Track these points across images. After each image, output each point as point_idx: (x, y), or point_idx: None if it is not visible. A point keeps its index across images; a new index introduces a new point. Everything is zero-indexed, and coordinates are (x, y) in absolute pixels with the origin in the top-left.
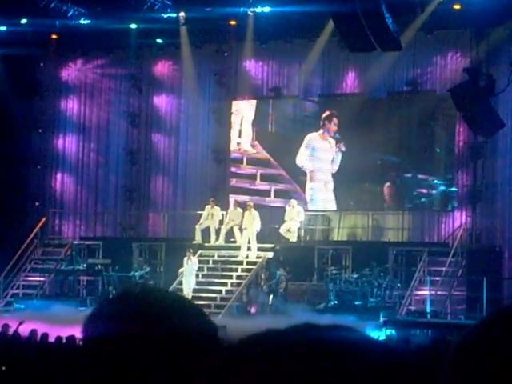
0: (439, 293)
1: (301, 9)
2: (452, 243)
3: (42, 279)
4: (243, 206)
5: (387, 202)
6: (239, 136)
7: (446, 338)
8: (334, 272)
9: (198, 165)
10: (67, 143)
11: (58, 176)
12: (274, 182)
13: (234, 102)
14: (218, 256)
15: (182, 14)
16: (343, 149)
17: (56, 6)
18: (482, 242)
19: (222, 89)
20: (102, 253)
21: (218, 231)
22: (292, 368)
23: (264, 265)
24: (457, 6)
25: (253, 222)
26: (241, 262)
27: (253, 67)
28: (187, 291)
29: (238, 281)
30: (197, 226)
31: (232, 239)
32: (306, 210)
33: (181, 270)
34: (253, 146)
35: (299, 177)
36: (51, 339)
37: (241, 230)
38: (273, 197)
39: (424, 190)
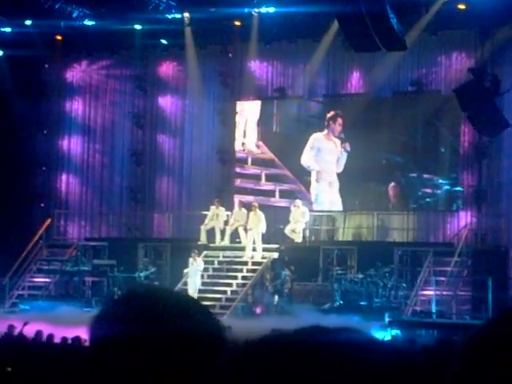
0: (444, 293)
1: (305, 9)
2: (457, 243)
3: (47, 280)
4: (248, 207)
5: (392, 202)
6: (244, 136)
7: (452, 339)
8: (339, 272)
9: (203, 165)
10: (72, 144)
11: (63, 177)
12: (279, 183)
13: (238, 103)
14: (223, 256)
15: (186, 14)
16: (348, 149)
17: (61, 7)
18: (488, 242)
19: (227, 89)
20: (107, 253)
21: (223, 232)
22: (300, 369)
23: (269, 265)
24: (461, 6)
25: (258, 222)
26: (246, 263)
27: (257, 68)
28: (192, 292)
29: (243, 281)
30: (202, 227)
31: (237, 240)
32: (311, 211)
33: (186, 271)
34: (257, 147)
35: (304, 177)
36: (57, 340)
37: (246, 230)
38: (278, 197)
39: (429, 190)
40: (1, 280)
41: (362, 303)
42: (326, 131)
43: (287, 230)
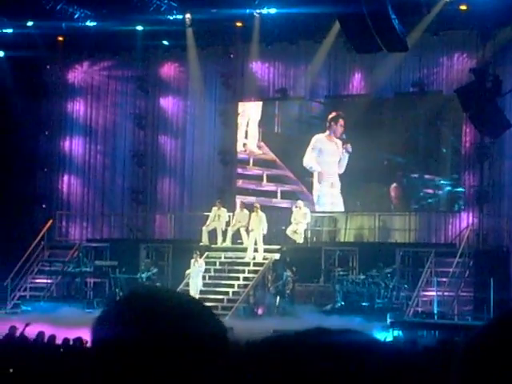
0: (446, 294)
1: (307, 10)
2: (459, 244)
3: (49, 281)
4: (250, 208)
5: (394, 203)
6: (245, 137)
7: (454, 339)
8: (341, 273)
9: (205, 166)
10: (74, 145)
11: (65, 178)
12: (281, 183)
13: (240, 104)
14: (225, 257)
15: (187, 15)
16: (350, 150)
17: (62, 8)
18: (489, 243)
19: (228, 90)
20: (109, 254)
21: (224, 233)
22: (301, 371)
23: (271, 266)
24: (463, 7)
25: (259, 223)
26: (247, 264)
27: (259, 69)
28: (194, 293)
29: (245, 282)
30: (203, 228)
31: (239, 241)
32: (312, 212)
33: (187, 272)
34: (259, 147)
35: (305, 178)
36: (58, 341)
37: (247, 231)
38: (279, 198)
39: (430, 191)
40: (3, 281)
41: (364, 304)
42: (327, 132)
43: (289, 231)
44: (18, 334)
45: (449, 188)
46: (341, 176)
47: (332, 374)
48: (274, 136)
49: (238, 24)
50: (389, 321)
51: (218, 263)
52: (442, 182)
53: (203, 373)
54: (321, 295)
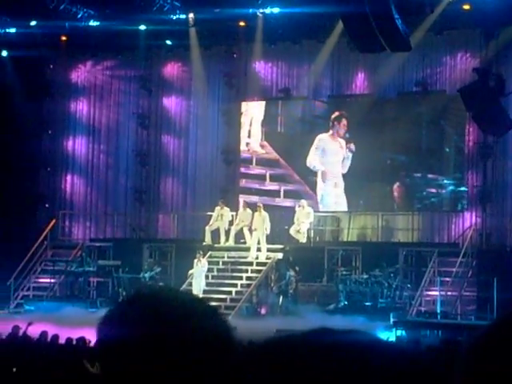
0: (449, 293)
1: (310, 10)
2: (462, 244)
3: (52, 281)
4: (253, 207)
5: (397, 202)
6: (248, 136)
7: (457, 339)
8: (344, 273)
9: (208, 166)
10: (77, 145)
11: (68, 178)
12: (284, 183)
13: (243, 103)
14: (228, 257)
15: (191, 15)
16: (353, 149)
17: (65, 7)
18: (493, 243)
19: (232, 90)
20: (112, 254)
21: (227, 232)
22: (305, 371)
23: (274, 266)
24: (466, 6)
25: (262, 223)
26: (250, 263)
27: (262, 68)
28: (197, 293)
29: (248, 282)
30: (207, 227)
31: (242, 240)
32: (316, 211)
33: (190, 272)
34: (262, 147)
35: (309, 177)
36: (61, 341)
37: (250, 231)
38: (282, 197)
39: (433, 190)
40: (6, 281)
41: (367, 304)
42: (330, 132)
43: (292, 231)
44: (20, 333)
45: (452, 187)
46: (344, 175)
47: (336, 374)
48: (277, 135)
49: (242, 24)
50: (392, 320)
51: (220, 263)
52: (445, 181)
53: (209, 372)
54: (324, 295)
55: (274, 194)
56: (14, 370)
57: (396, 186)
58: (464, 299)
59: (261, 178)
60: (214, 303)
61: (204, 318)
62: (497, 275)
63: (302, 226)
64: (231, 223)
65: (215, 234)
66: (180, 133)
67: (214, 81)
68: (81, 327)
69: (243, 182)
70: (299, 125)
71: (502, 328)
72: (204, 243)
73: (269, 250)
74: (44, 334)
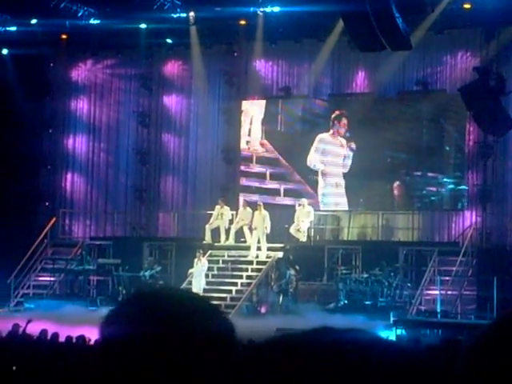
0: (449, 292)
1: (310, 8)
2: (462, 243)
3: (52, 279)
4: (253, 206)
5: (397, 201)
6: (249, 135)
7: (457, 338)
8: (344, 272)
9: (208, 164)
10: (77, 143)
11: (68, 176)
12: (284, 181)
13: (243, 102)
14: (228, 256)
15: (191, 13)
16: (354, 148)
17: (66, 6)
18: (493, 242)
19: (232, 89)
20: (112, 253)
21: (227, 231)
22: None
23: (274, 264)
24: (467, 6)
25: (263, 221)
26: (251, 262)
27: (262, 67)
28: (197, 291)
29: (248, 281)
30: (207, 226)
31: (242, 239)
32: (317, 210)
33: (190, 271)
34: (262, 145)
35: (309, 176)
36: (61, 339)
37: (251, 229)
38: (282, 196)
39: (433, 189)
40: (6, 279)
41: (367, 303)
42: (331, 131)
43: (292, 230)
44: (20, 331)
45: (452, 186)
46: (344, 174)
47: (336, 373)
48: (278, 134)
49: (242, 22)
50: (392, 319)
51: (221, 261)
52: (445, 180)
53: (211, 371)
54: (324, 294)
55: (274, 192)
56: (14, 368)
57: (396, 184)
58: (464, 298)
59: (261, 176)
60: (214, 302)
61: (206, 316)
62: (497, 274)
63: (302, 224)
64: (231, 222)
65: (215, 232)
66: (180, 131)
67: (215, 79)
68: (81, 325)
69: (243, 181)
70: (299, 123)
71: (502, 327)
72: (204, 242)
73: (269, 249)
74: (44, 332)
